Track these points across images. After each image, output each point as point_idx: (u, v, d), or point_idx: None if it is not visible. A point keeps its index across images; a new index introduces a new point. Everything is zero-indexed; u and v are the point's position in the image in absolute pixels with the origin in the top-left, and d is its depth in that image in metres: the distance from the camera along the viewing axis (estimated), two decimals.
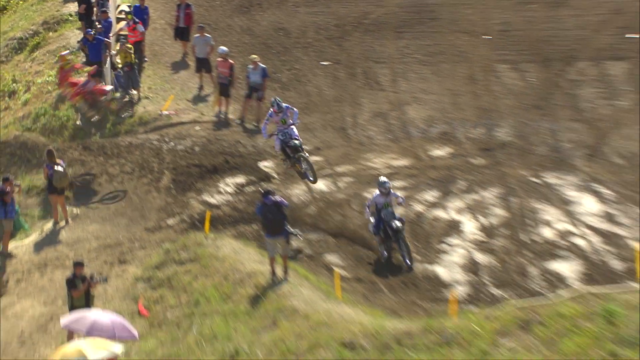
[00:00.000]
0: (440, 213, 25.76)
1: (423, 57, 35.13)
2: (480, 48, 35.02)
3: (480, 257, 23.51)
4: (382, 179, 24.24)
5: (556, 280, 22.27)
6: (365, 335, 18.60)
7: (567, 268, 22.63)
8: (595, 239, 23.89)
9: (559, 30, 35.25)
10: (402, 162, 29.02)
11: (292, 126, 26.58)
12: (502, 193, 26.58)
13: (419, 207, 26.32)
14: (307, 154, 27.17)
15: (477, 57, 34.51)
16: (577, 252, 23.36)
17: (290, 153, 26.21)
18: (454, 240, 24.86)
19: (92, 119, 32.54)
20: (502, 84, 32.83)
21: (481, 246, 23.98)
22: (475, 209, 26.02)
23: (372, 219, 24.08)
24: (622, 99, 30.89)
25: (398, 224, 23.40)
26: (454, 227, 25.39)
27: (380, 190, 23.76)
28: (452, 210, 26.18)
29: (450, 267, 23.55)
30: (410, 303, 22.48)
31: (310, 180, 26.66)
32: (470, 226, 25.24)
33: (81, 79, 31.94)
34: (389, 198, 23.71)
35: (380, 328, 18.67)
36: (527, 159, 28.45)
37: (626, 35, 34.09)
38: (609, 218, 24.77)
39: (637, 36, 33.80)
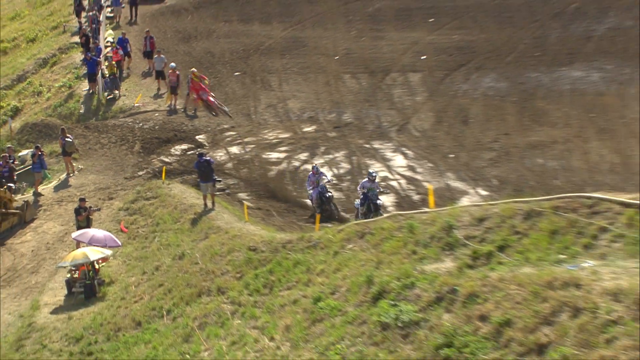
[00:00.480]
0: (309, 166, 25.51)
1: (298, 70, 34.65)
2: (332, 64, 34.65)
3: (334, 193, 23.29)
4: (371, 170, 22.00)
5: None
6: (263, 242, 18.55)
7: (386, 199, 22.58)
8: (403, 182, 23.94)
9: (380, 54, 35.09)
10: (285, 135, 28.58)
11: (323, 184, 22.62)
12: (347, 154, 26.42)
13: (296, 163, 26.10)
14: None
15: (330, 70, 34.14)
16: (392, 190, 23.38)
17: (324, 200, 22.55)
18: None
19: (213, 115, 31.08)
20: (346, 87, 32.55)
21: (334, 187, 23.78)
22: (330, 164, 25.83)
23: (361, 196, 21.38)
24: (418, 96, 30.86)
25: (380, 202, 21.29)
26: None
27: (369, 178, 21.37)
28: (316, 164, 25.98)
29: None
30: (291, 223, 22.56)
31: (336, 218, 22.30)
32: (327, 175, 25.03)
33: (202, 88, 31.39)
34: (374, 184, 21.34)
35: (272, 238, 18.65)
36: (362, 132, 28.27)
37: (421, 57, 34.17)
38: (411, 169, 24.80)
39: (425, 57, 33.94)
